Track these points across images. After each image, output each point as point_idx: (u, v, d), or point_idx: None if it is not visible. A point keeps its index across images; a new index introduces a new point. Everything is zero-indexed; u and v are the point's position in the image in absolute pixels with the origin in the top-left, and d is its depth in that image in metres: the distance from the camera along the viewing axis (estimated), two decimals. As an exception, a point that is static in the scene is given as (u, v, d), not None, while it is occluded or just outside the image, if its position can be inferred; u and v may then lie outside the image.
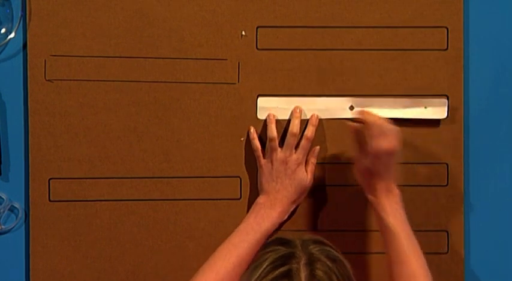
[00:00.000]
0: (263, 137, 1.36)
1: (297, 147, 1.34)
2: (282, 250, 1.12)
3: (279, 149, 1.33)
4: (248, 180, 1.37)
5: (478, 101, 1.38)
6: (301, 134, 1.35)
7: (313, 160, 1.36)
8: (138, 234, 1.36)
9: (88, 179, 1.36)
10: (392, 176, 1.28)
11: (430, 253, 1.37)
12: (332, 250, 1.13)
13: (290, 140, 1.33)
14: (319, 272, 1.07)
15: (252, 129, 1.36)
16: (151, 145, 1.36)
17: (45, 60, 1.34)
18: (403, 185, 1.37)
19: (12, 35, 1.35)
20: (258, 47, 1.37)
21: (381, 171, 1.27)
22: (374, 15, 1.37)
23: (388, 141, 1.25)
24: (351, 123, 1.33)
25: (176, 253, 1.37)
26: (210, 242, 1.36)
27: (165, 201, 1.36)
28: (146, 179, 1.36)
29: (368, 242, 1.38)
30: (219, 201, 1.37)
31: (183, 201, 1.37)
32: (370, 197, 1.29)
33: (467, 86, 1.38)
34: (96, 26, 1.35)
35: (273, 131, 1.34)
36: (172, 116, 1.36)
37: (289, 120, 1.35)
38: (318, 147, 1.36)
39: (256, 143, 1.35)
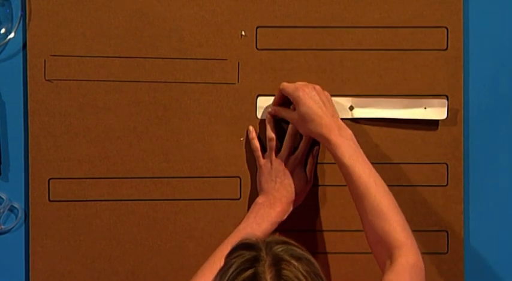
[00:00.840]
0: (263, 137, 1.36)
1: (296, 147, 1.34)
2: (247, 254, 1.11)
3: (278, 149, 1.33)
4: (248, 180, 1.37)
5: (478, 101, 1.38)
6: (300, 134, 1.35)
7: (312, 161, 1.36)
8: (138, 234, 1.36)
9: (88, 179, 1.36)
10: (333, 112, 1.30)
11: (429, 253, 1.37)
12: (297, 249, 1.12)
13: (288, 140, 1.33)
14: (285, 272, 1.07)
15: (251, 129, 1.36)
16: (151, 145, 1.36)
17: (45, 60, 1.34)
18: (403, 185, 1.37)
19: (12, 35, 1.35)
20: (258, 47, 1.36)
21: (319, 110, 1.28)
22: (374, 15, 1.37)
23: (301, 83, 1.32)
24: (271, 109, 1.36)
25: (176, 253, 1.37)
26: (209, 242, 1.36)
27: (165, 201, 1.36)
28: (146, 179, 1.36)
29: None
30: (218, 201, 1.37)
31: (183, 201, 1.37)
32: (322, 141, 1.29)
33: (467, 86, 1.38)
34: (96, 26, 1.35)
35: (271, 131, 1.34)
36: (172, 116, 1.36)
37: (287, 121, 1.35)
38: (317, 147, 1.36)
39: (256, 142, 1.35)
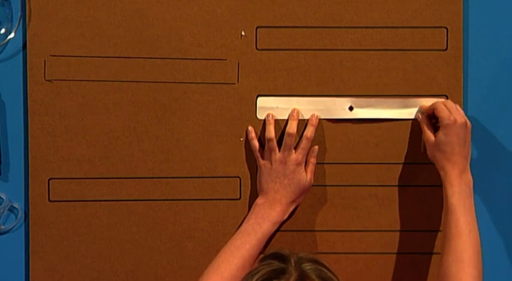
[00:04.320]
0: (263, 138, 1.36)
1: (296, 147, 1.34)
2: (275, 265, 1.12)
3: (277, 149, 1.33)
4: (248, 180, 1.37)
5: (477, 101, 1.38)
6: (300, 134, 1.35)
7: (312, 160, 1.36)
8: (138, 234, 1.36)
9: (88, 179, 1.36)
10: (467, 155, 1.30)
11: (429, 253, 1.37)
12: (326, 271, 1.13)
13: (288, 140, 1.33)
14: None
15: (251, 129, 1.36)
16: (151, 145, 1.36)
17: (44, 61, 1.34)
18: (403, 185, 1.37)
19: (11, 35, 1.35)
20: (258, 47, 1.36)
21: (456, 145, 1.28)
22: (374, 15, 1.37)
23: (461, 114, 1.30)
24: (417, 114, 1.36)
25: (176, 253, 1.37)
26: (209, 243, 1.36)
27: (165, 201, 1.36)
28: (146, 179, 1.36)
29: (368, 242, 1.38)
30: (218, 201, 1.37)
31: (183, 201, 1.37)
32: (441, 173, 1.30)
33: (466, 86, 1.38)
34: (96, 26, 1.35)
35: (271, 132, 1.34)
36: (172, 116, 1.36)
37: (287, 121, 1.35)
38: (316, 147, 1.36)
39: (255, 143, 1.35)
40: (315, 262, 1.13)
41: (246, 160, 1.37)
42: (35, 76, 1.35)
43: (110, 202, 1.36)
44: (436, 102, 1.33)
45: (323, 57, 1.37)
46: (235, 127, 1.37)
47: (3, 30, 1.35)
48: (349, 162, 1.37)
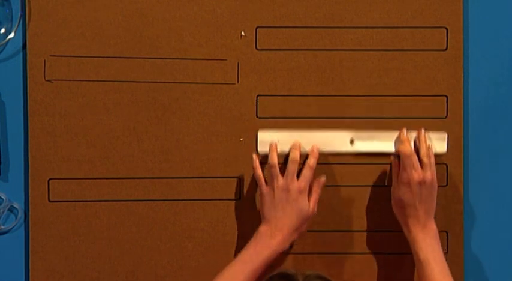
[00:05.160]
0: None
1: (299, 175, 1.32)
2: None
3: (280, 176, 1.31)
4: (248, 180, 1.37)
5: (477, 101, 1.38)
6: (303, 163, 1.34)
7: (317, 190, 1.34)
8: (137, 234, 1.36)
9: (87, 180, 1.36)
10: (429, 211, 1.30)
11: (429, 254, 1.37)
12: None
13: (291, 167, 1.31)
14: None
15: (255, 157, 1.34)
16: (150, 145, 1.36)
17: (44, 61, 1.34)
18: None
19: (11, 35, 1.35)
20: (258, 47, 1.36)
21: (414, 203, 1.29)
22: (374, 15, 1.37)
23: (418, 172, 1.29)
24: (392, 157, 1.35)
25: (175, 253, 1.37)
26: (209, 243, 1.36)
27: (165, 201, 1.36)
28: (145, 179, 1.36)
29: (368, 242, 1.38)
30: (218, 201, 1.37)
31: (183, 201, 1.37)
32: (404, 230, 1.31)
33: (467, 86, 1.38)
34: (95, 26, 1.35)
35: (273, 158, 1.32)
36: (172, 116, 1.36)
37: (290, 151, 1.34)
38: (324, 178, 1.34)
39: (258, 171, 1.33)
40: (322, 278, 1.13)
41: (246, 160, 1.37)
42: (35, 76, 1.35)
43: (110, 202, 1.36)
44: (411, 154, 1.30)
45: (323, 57, 1.37)
46: (235, 127, 1.37)
47: (3, 30, 1.35)
48: (349, 162, 1.37)
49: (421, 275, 1.28)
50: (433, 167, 1.31)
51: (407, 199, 1.30)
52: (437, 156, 1.36)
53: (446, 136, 1.37)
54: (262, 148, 1.36)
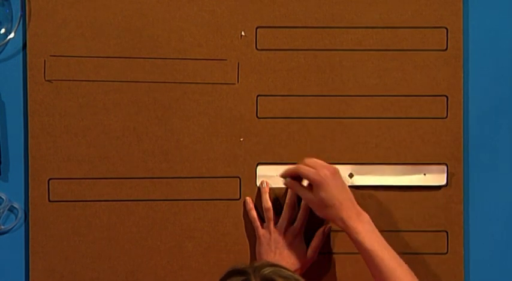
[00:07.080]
0: (259, 206, 1.36)
1: (295, 218, 1.33)
2: (238, 280, 1.12)
3: (275, 219, 1.33)
4: (248, 180, 1.37)
5: (477, 101, 1.38)
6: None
7: (320, 238, 1.34)
8: (137, 234, 1.36)
9: (87, 179, 1.36)
10: (350, 196, 1.28)
11: (429, 254, 1.37)
12: (285, 270, 1.13)
13: (287, 211, 1.33)
14: None
15: (249, 200, 1.35)
16: (150, 145, 1.36)
17: (44, 61, 1.35)
18: (403, 186, 1.37)
19: (11, 35, 1.35)
20: (258, 47, 1.36)
21: (337, 195, 1.27)
22: (374, 16, 1.37)
23: (324, 166, 1.28)
24: (285, 181, 1.33)
25: (175, 253, 1.37)
26: (209, 243, 1.36)
27: (165, 201, 1.36)
28: (145, 179, 1.36)
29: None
30: (218, 201, 1.37)
31: (183, 201, 1.37)
32: (340, 226, 1.28)
33: (466, 86, 1.38)
34: (96, 26, 1.35)
35: (267, 202, 1.34)
36: (172, 116, 1.36)
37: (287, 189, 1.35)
38: (329, 226, 1.35)
39: (253, 213, 1.35)
40: (273, 265, 1.14)
41: (246, 160, 1.37)
42: (35, 76, 1.35)
43: (110, 202, 1.36)
44: (297, 166, 1.30)
45: (323, 57, 1.37)
46: (235, 127, 1.37)
47: (3, 30, 1.35)
48: (349, 162, 1.37)
49: (372, 264, 1.25)
50: (318, 162, 1.29)
51: (332, 194, 1.27)
52: (438, 154, 1.36)
53: (445, 168, 1.37)
54: (260, 182, 1.37)
